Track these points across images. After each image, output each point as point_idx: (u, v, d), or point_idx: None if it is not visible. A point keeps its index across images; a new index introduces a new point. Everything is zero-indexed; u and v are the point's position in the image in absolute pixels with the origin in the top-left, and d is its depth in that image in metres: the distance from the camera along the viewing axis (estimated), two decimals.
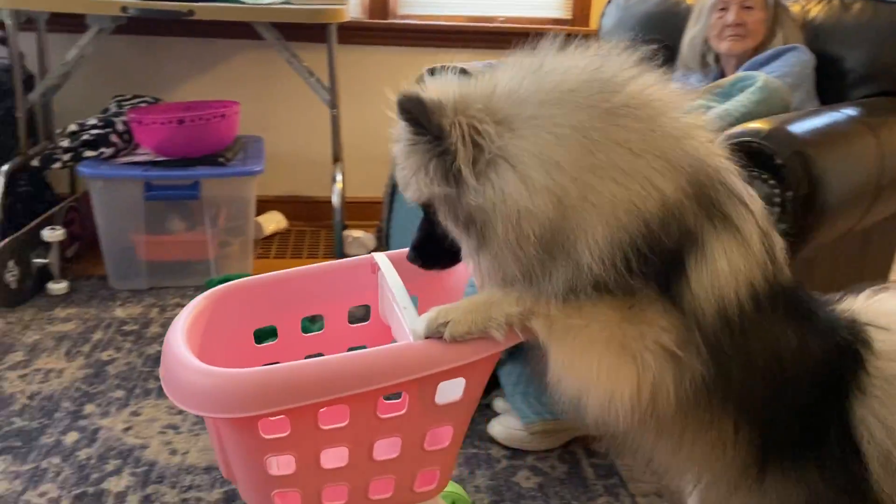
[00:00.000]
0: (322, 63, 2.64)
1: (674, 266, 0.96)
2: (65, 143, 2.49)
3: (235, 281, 1.26)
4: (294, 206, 3.20)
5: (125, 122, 2.52)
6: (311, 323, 1.38)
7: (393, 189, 2.31)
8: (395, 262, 1.30)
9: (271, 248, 2.99)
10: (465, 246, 1.03)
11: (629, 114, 0.95)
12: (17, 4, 2.37)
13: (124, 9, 2.27)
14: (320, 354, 1.27)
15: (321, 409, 1.00)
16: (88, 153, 2.47)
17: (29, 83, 2.64)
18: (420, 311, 1.23)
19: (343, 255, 2.61)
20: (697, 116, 1.02)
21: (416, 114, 0.96)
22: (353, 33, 2.86)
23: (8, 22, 2.42)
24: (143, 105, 2.71)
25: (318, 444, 1.03)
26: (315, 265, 1.32)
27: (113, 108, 2.69)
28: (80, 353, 2.13)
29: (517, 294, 1.00)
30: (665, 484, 1.54)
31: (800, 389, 1.04)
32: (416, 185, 1.01)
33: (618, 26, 2.56)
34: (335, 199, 2.55)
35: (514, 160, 0.94)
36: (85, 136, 2.48)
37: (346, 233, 2.76)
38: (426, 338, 1.03)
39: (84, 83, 2.82)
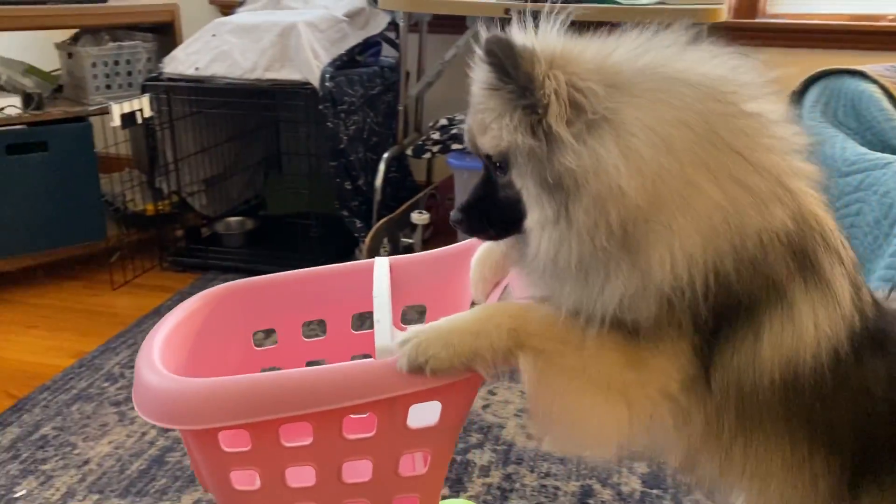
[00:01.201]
0: None
1: (739, 316, 0.86)
2: (435, 135, 2.72)
3: (234, 282, 1.22)
4: None
5: None
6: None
7: None
8: (400, 267, 1.21)
9: None
10: (536, 216, 0.87)
11: (760, 126, 0.86)
12: (418, 8, 2.62)
13: (507, 10, 2.40)
14: (322, 361, 1.22)
15: (282, 426, 0.94)
16: (455, 146, 2.67)
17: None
18: (428, 320, 1.16)
19: None
20: (809, 164, 0.90)
21: (504, 58, 0.83)
22: (719, 34, 2.73)
23: (401, 24, 2.69)
24: None
25: (281, 461, 0.97)
26: (318, 268, 1.26)
27: None
28: None
29: (510, 323, 0.90)
30: None
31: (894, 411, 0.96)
32: (496, 131, 0.87)
33: None
34: None
35: (623, 128, 0.82)
36: (454, 130, 2.68)
37: None
38: (409, 371, 0.91)
39: (448, 80, 3.05)
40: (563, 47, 0.87)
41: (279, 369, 1.09)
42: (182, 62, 2.52)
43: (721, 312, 0.86)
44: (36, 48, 3.03)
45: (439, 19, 2.83)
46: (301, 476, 0.98)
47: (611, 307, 0.85)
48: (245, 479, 0.98)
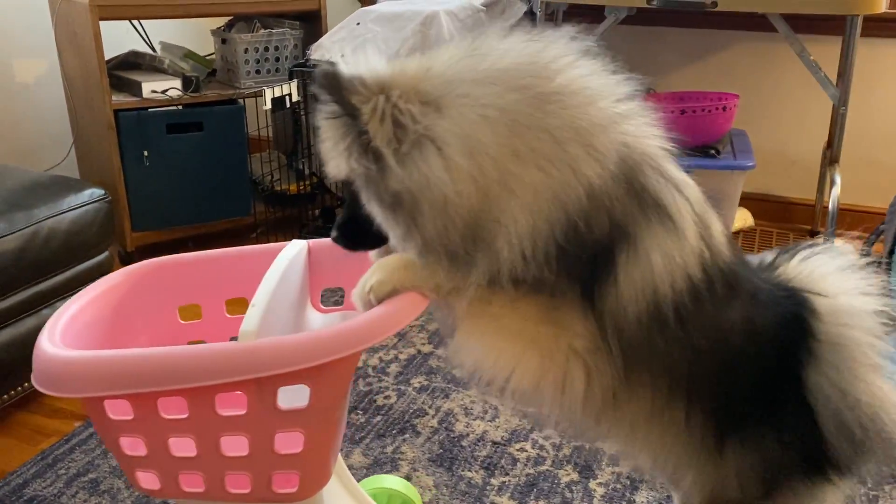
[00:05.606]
0: (826, 57, 2.46)
1: (603, 263, 0.93)
2: None
3: (159, 258, 1.26)
4: (762, 205, 3.07)
5: None
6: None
7: None
8: (318, 250, 1.24)
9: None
10: (393, 234, 0.97)
11: (559, 101, 0.92)
12: None
13: (649, 0, 2.37)
14: None
15: (160, 399, 0.99)
16: None
17: None
18: (346, 303, 1.21)
19: None
20: (631, 103, 0.96)
21: (331, 89, 0.91)
22: (873, 25, 2.60)
23: (538, 13, 2.71)
24: None
25: (162, 431, 1.02)
26: (242, 247, 1.28)
27: None
28: None
29: (446, 271, 0.97)
30: None
31: (751, 365, 1.03)
32: (336, 159, 0.95)
33: None
34: (831, 205, 2.37)
35: (440, 141, 0.90)
36: None
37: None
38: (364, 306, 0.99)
39: None
40: (391, 72, 0.94)
41: (205, 342, 1.21)
42: (328, 49, 2.63)
43: (586, 267, 0.93)
44: (193, 34, 3.24)
45: (576, 8, 2.83)
46: (183, 446, 1.05)
47: (483, 279, 0.94)
48: (134, 446, 1.06)
